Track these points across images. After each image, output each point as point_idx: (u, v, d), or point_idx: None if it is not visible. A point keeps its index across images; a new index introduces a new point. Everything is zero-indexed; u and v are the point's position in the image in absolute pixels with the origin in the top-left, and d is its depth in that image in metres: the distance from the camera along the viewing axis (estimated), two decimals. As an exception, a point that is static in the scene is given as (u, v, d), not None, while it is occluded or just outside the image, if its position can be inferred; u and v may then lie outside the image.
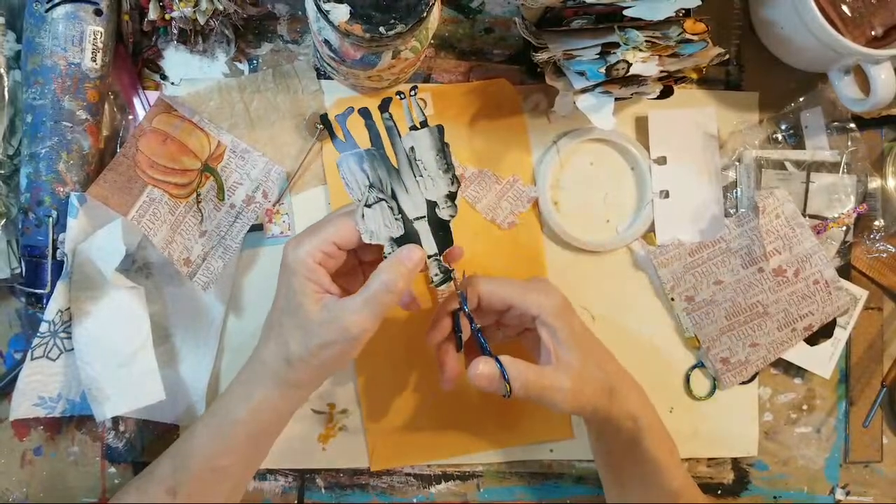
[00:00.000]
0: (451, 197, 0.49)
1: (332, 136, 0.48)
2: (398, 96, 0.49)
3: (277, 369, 0.49)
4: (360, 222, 0.48)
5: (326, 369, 0.50)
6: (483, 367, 0.49)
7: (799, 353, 0.63)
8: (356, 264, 0.54)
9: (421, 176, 0.49)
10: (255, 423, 0.50)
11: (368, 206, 0.48)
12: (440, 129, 0.49)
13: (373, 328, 0.47)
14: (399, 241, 0.48)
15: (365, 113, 0.48)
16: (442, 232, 0.49)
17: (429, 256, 0.49)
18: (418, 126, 0.49)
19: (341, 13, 0.47)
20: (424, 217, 0.49)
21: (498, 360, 0.50)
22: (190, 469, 0.50)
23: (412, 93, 0.48)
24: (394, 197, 0.48)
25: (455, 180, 0.49)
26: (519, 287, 0.53)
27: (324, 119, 0.48)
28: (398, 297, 0.47)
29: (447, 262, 0.50)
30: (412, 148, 0.49)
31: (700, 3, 0.52)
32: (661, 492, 0.54)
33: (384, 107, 0.49)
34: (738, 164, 0.64)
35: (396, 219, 0.48)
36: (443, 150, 0.49)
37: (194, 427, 0.52)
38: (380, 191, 0.48)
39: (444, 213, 0.49)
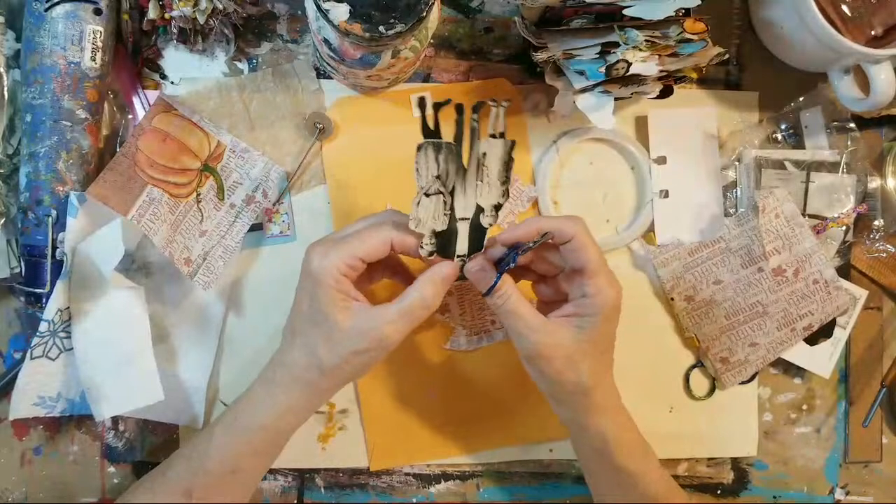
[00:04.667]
0: (498, 208, 0.50)
1: (423, 121, 0.48)
2: (491, 103, 0.49)
3: (308, 378, 0.50)
4: (414, 208, 0.48)
5: (356, 376, 0.51)
6: (480, 263, 0.49)
7: (798, 353, 0.63)
8: (372, 271, 0.54)
9: (481, 181, 0.49)
10: (276, 428, 0.51)
11: (428, 195, 0.48)
12: (513, 143, 0.49)
13: (402, 338, 0.48)
14: (438, 236, 0.49)
15: (459, 108, 0.48)
16: (476, 236, 0.50)
17: (457, 256, 0.50)
18: (496, 136, 0.49)
19: (341, 12, 0.47)
20: (468, 220, 0.49)
21: (501, 271, 0.49)
22: (208, 471, 0.51)
23: (504, 104, 0.49)
24: (451, 194, 0.49)
25: (507, 193, 0.50)
26: (596, 261, 0.50)
27: (421, 102, 0.48)
28: (430, 312, 0.48)
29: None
30: (484, 154, 0.49)
31: (700, 2, 0.52)
32: (637, 495, 0.54)
33: (476, 109, 0.49)
34: (737, 163, 0.64)
35: (445, 214, 0.49)
36: (508, 163, 0.49)
37: (212, 429, 0.52)
38: (443, 184, 0.48)
39: (486, 220, 0.50)
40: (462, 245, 0.50)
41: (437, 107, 0.48)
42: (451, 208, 0.49)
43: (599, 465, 0.55)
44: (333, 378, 0.50)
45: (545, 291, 0.54)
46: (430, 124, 0.48)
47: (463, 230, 0.50)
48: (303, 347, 0.50)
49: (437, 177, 0.48)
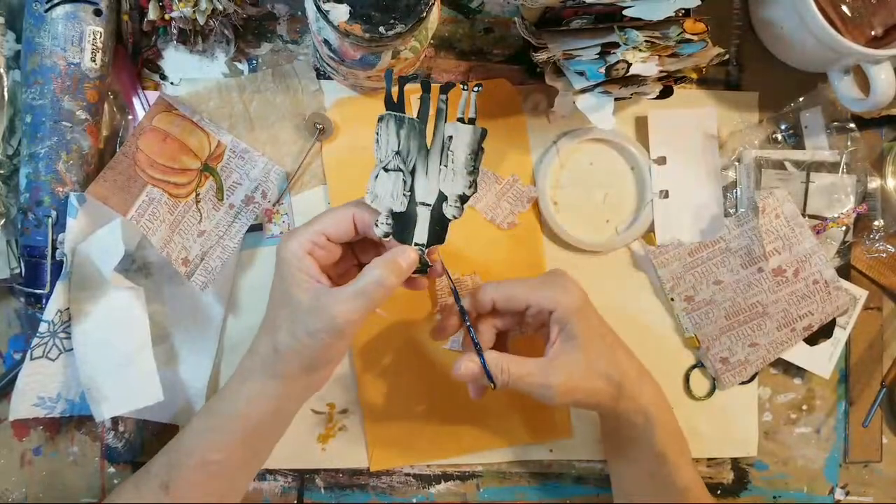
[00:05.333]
0: (463, 199, 0.49)
1: (388, 92, 0.48)
2: (461, 86, 0.49)
3: (267, 359, 0.49)
4: (372, 182, 0.48)
5: (315, 361, 0.49)
6: (465, 366, 0.50)
7: (798, 353, 0.63)
8: (354, 265, 0.54)
9: (446, 166, 0.49)
10: (248, 417, 0.50)
11: (386, 170, 0.48)
12: (484, 132, 0.49)
13: (359, 320, 0.47)
14: (396, 217, 0.48)
15: (425, 85, 0.48)
16: (438, 227, 0.49)
17: (415, 243, 0.49)
18: (466, 121, 0.49)
19: (341, 13, 0.47)
20: (430, 206, 0.49)
21: (482, 357, 0.50)
22: (183, 464, 0.50)
23: (475, 88, 0.48)
24: (412, 173, 0.48)
25: (474, 186, 0.49)
26: (534, 285, 0.53)
27: (387, 74, 0.48)
28: (388, 292, 0.47)
29: (429, 257, 0.50)
30: (450, 137, 0.49)
31: (700, 2, 0.52)
32: (669, 488, 0.55)
33: (445, 89, 0.49)
34: (737, 163, 0.64)
35: (404, 194, 0.48)
36: (477, 153, 0.49)
37: (191, 422, 0.52)
38: (403, 161, 0.48)
39: (449, 210, 0.49)
40: (421, 233, 0.49)
41: (403, 81, 0.48)
42: (411, 190, 0.48)
43: (638, 451, 0.55)
44: (291, 360, 0.49)
45: (545, 334, 0.55)
46: (394, 97, 0.48)
47: (423, 217, 0.49)
48: (268, 329, 0.50)
49: (398, 152, 0.48)
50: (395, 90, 0.48)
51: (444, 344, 0.62)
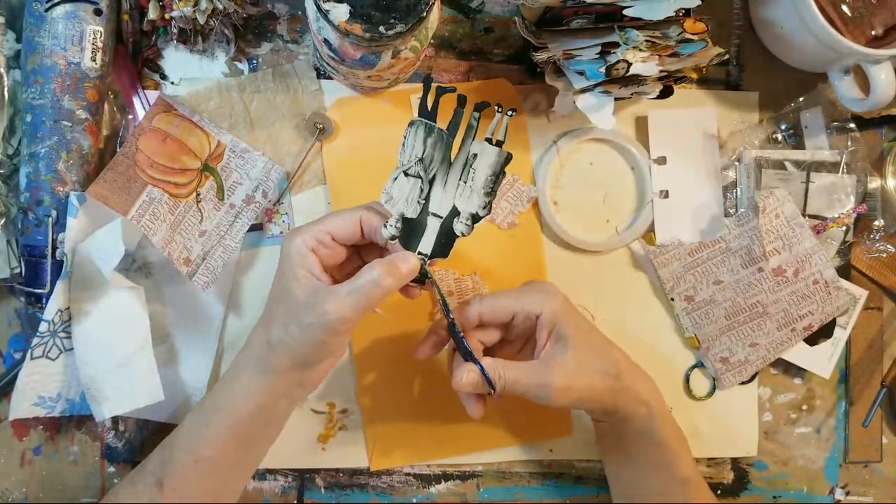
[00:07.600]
0: (475, 219, 0.49)
1: (424, 98, 0.48)
2: (496, 108, 0.49)
3: (261, 353, 0.49)
4: (390, 183, 0.48)
5: (306, 357, 0.49)
6: (466, 376, 0.50)
7: (799, 353, 0.63)
8: (359, 266, 0.54)
9: (465, 182, 0.49)
10: (238, 412, 0.50)
11: (406, 174, 0.48)
12: (509, 157, 0.49)
13: (353, 319, 0.46)
14: (405, 222, 0.48)
15: (462, 100, 0.49)
16: (445, 240, 0.49)
17: (419, 252, 0.49)
18: (494, 142, 0.49)
19: (341, 13, 0.47)
20: (441, 219, 0.49)
21: (479, 364, 0.50)
22: (176, 461, 0.50)
23: (509, 113, 0.49)
24: (430, 183, 0.49)
25: (488, 207, 0.49)
26: (518, 294, 0.54)
27: (426, 80, 0.48)
28: (384, 294, 0.46)
29: (429, 267, 0.50)
30: (475, 155, 0.49)
31: (700, 2, 0.52)
32: (672, 480, 0.55)
33: (479, 108, 0.49)
34: (737, 163, 0.64)
35: (419, 202, 0.49)
36: (498, 176, 0.49)
37: (185, 419, 0.52)
38: (424, 169, 0.48)
39: (459, 226, 0.49)
40: (427, 244, 0.49)
41: (441, 91, 0.49)
42: (427, 198, 0.49)
43: (639, 446, 0.55)
44: (282, 355, 0.48)
45: (530, 346, 0.55)
46: (429, 105, 0.48)
47: (432, 228, 0.49)
48: (264, 323, 0.50)
49: (421, 159, 0.48)
50: (430, 98, 0.48)
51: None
